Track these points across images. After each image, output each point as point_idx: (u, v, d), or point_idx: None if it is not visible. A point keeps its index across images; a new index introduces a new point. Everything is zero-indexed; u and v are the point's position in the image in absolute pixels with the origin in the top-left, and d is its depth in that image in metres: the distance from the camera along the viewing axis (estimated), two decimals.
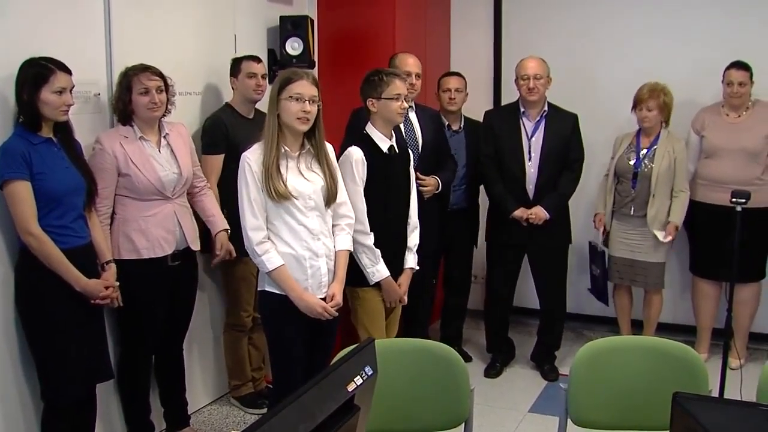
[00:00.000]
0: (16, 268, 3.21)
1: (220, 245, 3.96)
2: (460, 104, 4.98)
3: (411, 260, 3.82)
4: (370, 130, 3.70)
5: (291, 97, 3.13)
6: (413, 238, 3.82)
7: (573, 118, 4.74)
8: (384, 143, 3.67)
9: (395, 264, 3.75)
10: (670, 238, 4.74)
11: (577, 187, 4.78)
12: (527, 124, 4.69)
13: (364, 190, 3.58)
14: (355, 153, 3.57)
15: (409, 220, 3.81)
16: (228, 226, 3.97)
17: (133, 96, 3.50)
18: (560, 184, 4.69)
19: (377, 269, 3.63)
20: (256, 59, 4.20)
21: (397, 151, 3.73)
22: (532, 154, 4.65)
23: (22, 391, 3.33)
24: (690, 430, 1.53)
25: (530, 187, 4.66)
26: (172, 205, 3.63)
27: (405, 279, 3.80)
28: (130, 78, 3.49)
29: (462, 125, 4.99)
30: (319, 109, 3.21)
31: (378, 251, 3.61)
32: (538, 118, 4.68)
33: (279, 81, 3.20)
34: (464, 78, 5.05)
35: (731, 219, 3.72)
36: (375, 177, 3.59)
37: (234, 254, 4.04)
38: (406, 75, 4.33)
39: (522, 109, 4.71)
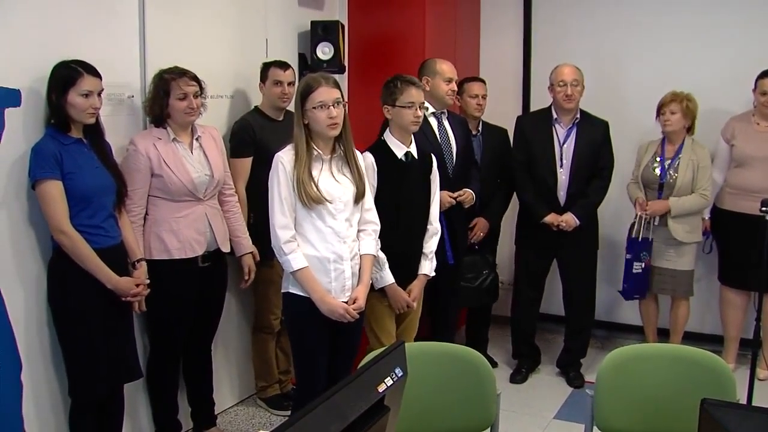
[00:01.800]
0: (49, 266, 3.26)
1: (248, 269, 4.00)
2: (484, 110, 4.99)
3: (426, 267, 3.81)
4: (387, 136, 3.73)
5: (315, 107, 3.14)
6: (431, 245, 3.82)
7: (604, 126, 4.74)
8: (400, 150, 3.68)
9: (408, 270, 3.76)
10: (649, 207, 4.69)
11: (606, 194, 4.77)
12: (559, 131, 4.69)
13: (378, 196, 3.58)
14: (365, 159, 3.58)
15: (428, 227, 3.81)
16: (254, 249, 4.02)
17: (171, 100, 3.54)
18: (590, 192, 4.70)
19: (381, 275, 3.64)
20: (284, 66, 4.21)
21: (415, 157, 3.73)
22: (564, 162, 4.66)
23: (53, 387, 3.39)
24: None
25: (561, 194, 4.67)
26: (204, 207, 3.67)
27: (417, 285, 3.79)
28: (168, 82, 3.53)
29: (480, 130, 4.99)
30: (345, 110, 3.23)
31: (384, 257, 3.61)
32: (570, 125, 4.68)
33: (300, 91, 3.21)
34: (486, 83, 5.06)
35: (760, 228, 3.70)
36: (388, 183, 3.58)
37: (257, 257, 4.07)
38: (447, 81, 4.35)
39: (555, 116, 4.72)
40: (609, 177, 4.77)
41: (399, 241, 3.63)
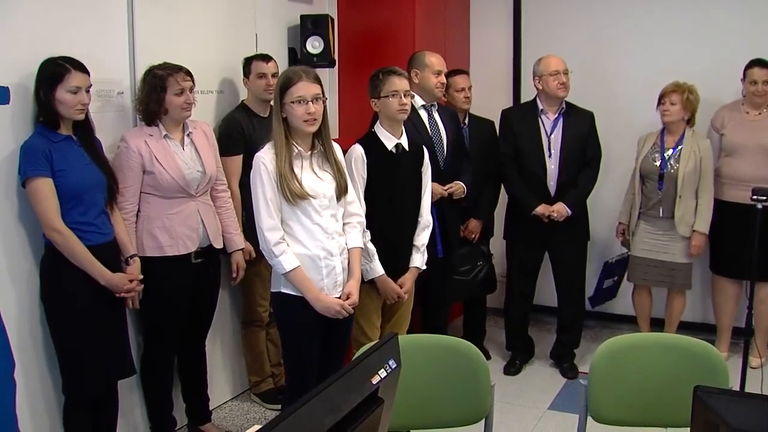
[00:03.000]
0: (41, 263, 3.25)
1: (236, 266, 3.99)
2: (471, 101, 4.99)
3: (417, 260, 3.80)
4: (377, 128, 3.73)
5: (293, 101, 3.10)
6: (422, 238, 3.81)
7: (590, 116, 4.77)
8: (390, 142, 3.68)
9: (398, 262, 3.75)
10: (695, 251, 4.76)
11: (595, 184, 4.79)
12: (546, 122, 4.71)
13: (368, 188, 3.58)
14: (355, 151, 3.60)
15: (420, 219, 3.80)
16: (245, 245, 4.01)
17: (168, 96, 3.52)
18: (579, 182, 4.71)
19: (371, 267, 3.64)
20: (266, 58, 4.21)
21: (406, 149, 3.73)
22: (552, 152, 4.68)
23: (46, 385, 3.39)
24: (711, 423, 1.53)
25: (551, 183, 4.69)
26: (196, 203, 3.66)
27: (409, 278, 3.78)
28: (165, 78, 3.51)
29: (467, 122, 4.98)
30: (324, 106, 3.19)
31: (373, 249, 3.62)
32: (556, 116, 4.70)
33: (279, 84, 3.17)
34: (468, 74, 5.06)
35: (752, 217, 3.71)
36: (378, 175, 3.57)
37: (254, 254, 4.08)
38: (436, 74, 4.34)
39: (541, 108, 4.73)
40: (598, 167, 4.79)
41: (389, 233, 3.62)
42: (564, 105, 4.73)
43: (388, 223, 3.61)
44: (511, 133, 4.78)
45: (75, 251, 3.15)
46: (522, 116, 4.81)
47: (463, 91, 4.90)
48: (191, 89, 3.57)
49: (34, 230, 3.24)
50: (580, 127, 4.71)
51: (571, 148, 4.68)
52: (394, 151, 3.69)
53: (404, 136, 3.74)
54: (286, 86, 3.13)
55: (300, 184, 3.12)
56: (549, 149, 4.68)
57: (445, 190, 4.24)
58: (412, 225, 3.79)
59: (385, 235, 3.61)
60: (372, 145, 3.66)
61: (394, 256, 3.72)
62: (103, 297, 3.26)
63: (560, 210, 4.64)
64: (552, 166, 4.68)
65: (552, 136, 4.69)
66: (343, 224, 3.34)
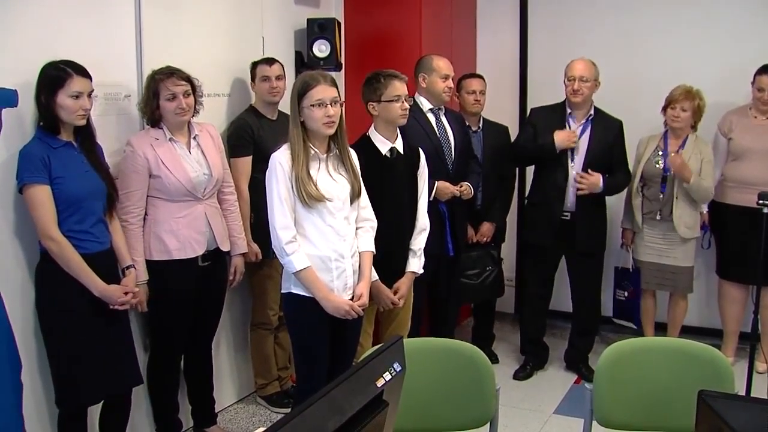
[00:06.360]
0: (36, 271, 3.21)
1: (234, 269, 3.98)
2: (483, 106, 4.98)
3: (414, 264, 3.78)
4: (372, 133, 3.73)
5: (313, 104, 3.13)
6: (419, 241, 3.79)
7: (618, 125, 4.69)
8: (384, 146, 3.68)
9: (393, 267, 3.73)
10: (677, 160, 4.60)
11: (627, 185, 4.77)
12: (572, 126, 4.63)
13: None
14: None
15: (416, 223, 3.79)
16: (246, 250, 4.01)
17: (161, 101, 3.50)
18: (618, 176, 4.65)
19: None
20: (269, 62, 4.22)
21: (401, 153, 3.72)
22: (576, 157, 4.60)
23: (38, 396, 3.34)
24: (715, 428, 1.53)
25: (570, 191, 4.61)
26: (203, 206, 3.65)
27: (405, 282, 3.76)
28: (157, 83, 3.50)
29: (480, 126, 4.98)
30: (341, 110, 3.21)
31: None
32: (584, 121, 4.63)
33: (297, 88, 3.19)
34: (484, 80, 5.05)
35: (758, 221, 3.71)
36: (372, 179, 3.54)
37: (260, 256, 4.09)
38: (444, 78, 4.34)
39: (569, 111, 4.67)
40: (629, 173, 4.73)
41: (384, 237, 3.54)
42: (593, 111, 4.65)
43: (382, 227, 3.53)
44: (533, 133, 4.70)
45: (70, 260, 3.09)
46: (549, 117, 4.71)
47: (474, 93, 4.89)
48: (186, 93, 3.53)
49: (29, 237, 3.20)
50: (607, 136, 4.62)
51: (594, 155, 4.59)
52: (388, 155, 3.69)
53: (399, 139, 3.73)
54: (305, 90, 3.15)
55: (316, 188, 3.14)
56: (572, 154, 4.61)
57: (457, 190, 4.24)
58: (407, 229, 3.78)
59: (380, 239, 3.54)
60: (366, 149, 3.64)
61: (390, 261, 3.69)
62: (101, 306, 3.20)
63: (594, 179, 4.52)
64: (574, 171, 4.60)
65: (578, 141, 4.60)
66: (356, 228, 3.36)
